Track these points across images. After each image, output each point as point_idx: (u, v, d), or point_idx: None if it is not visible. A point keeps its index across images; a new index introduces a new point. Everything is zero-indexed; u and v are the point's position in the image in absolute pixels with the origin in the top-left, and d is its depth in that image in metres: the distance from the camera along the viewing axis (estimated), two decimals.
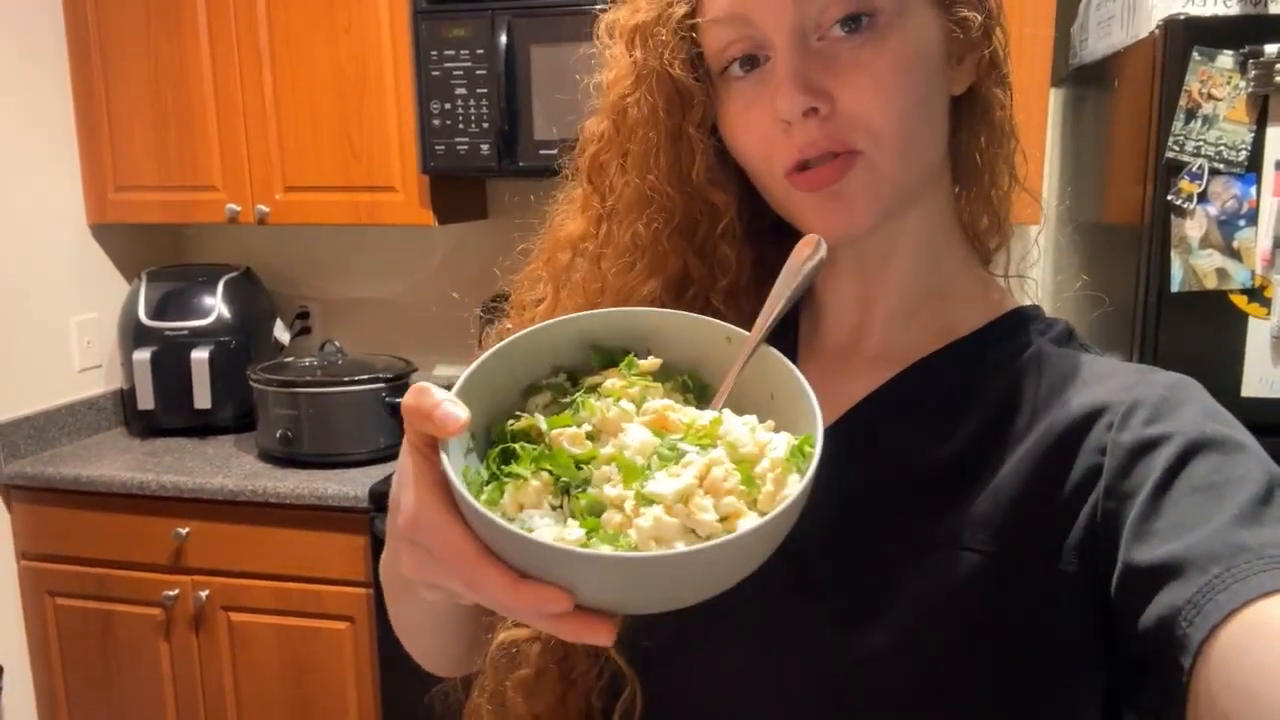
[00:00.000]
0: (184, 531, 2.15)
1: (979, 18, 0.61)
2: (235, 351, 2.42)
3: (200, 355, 2.36)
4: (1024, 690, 0.57)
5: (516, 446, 0.50)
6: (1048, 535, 0.56)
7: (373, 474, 2.14)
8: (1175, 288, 1.59)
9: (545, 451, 0.49)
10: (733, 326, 0.53)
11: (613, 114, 0.66)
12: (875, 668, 0.58)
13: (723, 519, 0.45)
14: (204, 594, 2.16)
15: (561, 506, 0.48)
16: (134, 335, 2.41)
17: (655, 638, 0.64)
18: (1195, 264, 1.58)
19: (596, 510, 0.47)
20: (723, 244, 0.66)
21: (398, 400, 2.25)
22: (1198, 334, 1.60)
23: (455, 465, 0.47)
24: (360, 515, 2.05)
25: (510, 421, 0.52)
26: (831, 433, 0.64)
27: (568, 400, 0.53)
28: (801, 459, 0.47)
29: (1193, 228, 1.57)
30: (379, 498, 2.04)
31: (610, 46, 0.67)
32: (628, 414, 0.50)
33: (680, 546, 0.44)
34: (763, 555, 0.46)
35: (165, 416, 2.41)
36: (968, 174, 0.66)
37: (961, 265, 0.68)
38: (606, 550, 0.44)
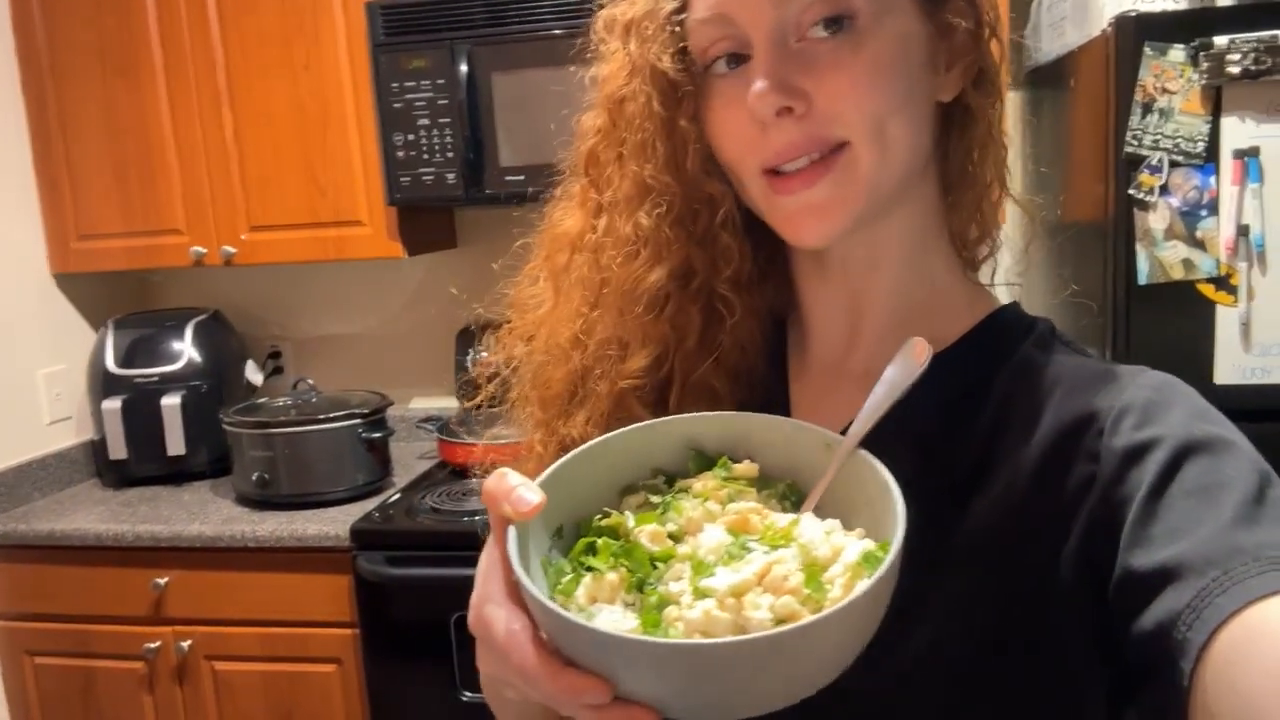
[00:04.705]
0: (163, 581, 2.11)
1: (966, 24, 0.61)
2: (207, 395, 2.39)
3: (171, 401, 2.33)
4: (1032, 702, 0.57)
5: (599, 540, 0.50)
6: (1047, 546, 0.56)
7: (352, 512, 2.11)
8: (1142, 280, 1.61)
9: (625, 547, 0.49)
10: (831, 433, 0.52)
11: (609, 106, 0.66)
12: (887, 690, 0.57)
13: (780, 620, 0.43)
14: (186, 644, 2.11)
15: (636, 604, 0.47)
16: (103, 384, 2.38)
17: None
18: (1161, 256, 1.60)
19: (664, 606, 0.46)
20: (724, 234, 0.65)
21: (374, 435, 2.24)
22: (1168, 325, 1.61)
23: (518, 548, 0.46)
24: (342, 555, 2.02)
25: (599, 517, 0.52)
26: None
27: (659, 501, 0.53)
28: (874, 565, 0.44)
29: (1156, 220, 1.59)
30: (360, 536, 2.01)
31: (606, 41, 0.67)
32: (712, 514, 0.50)
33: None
34: (819, 663, 0.43)
35: (139, 465, 2.38)
36: (957, 183, 0.66)
37: (949, 274, 0.67)
38: (636, 634, 0.42)
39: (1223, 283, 1.58)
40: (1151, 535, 0.50)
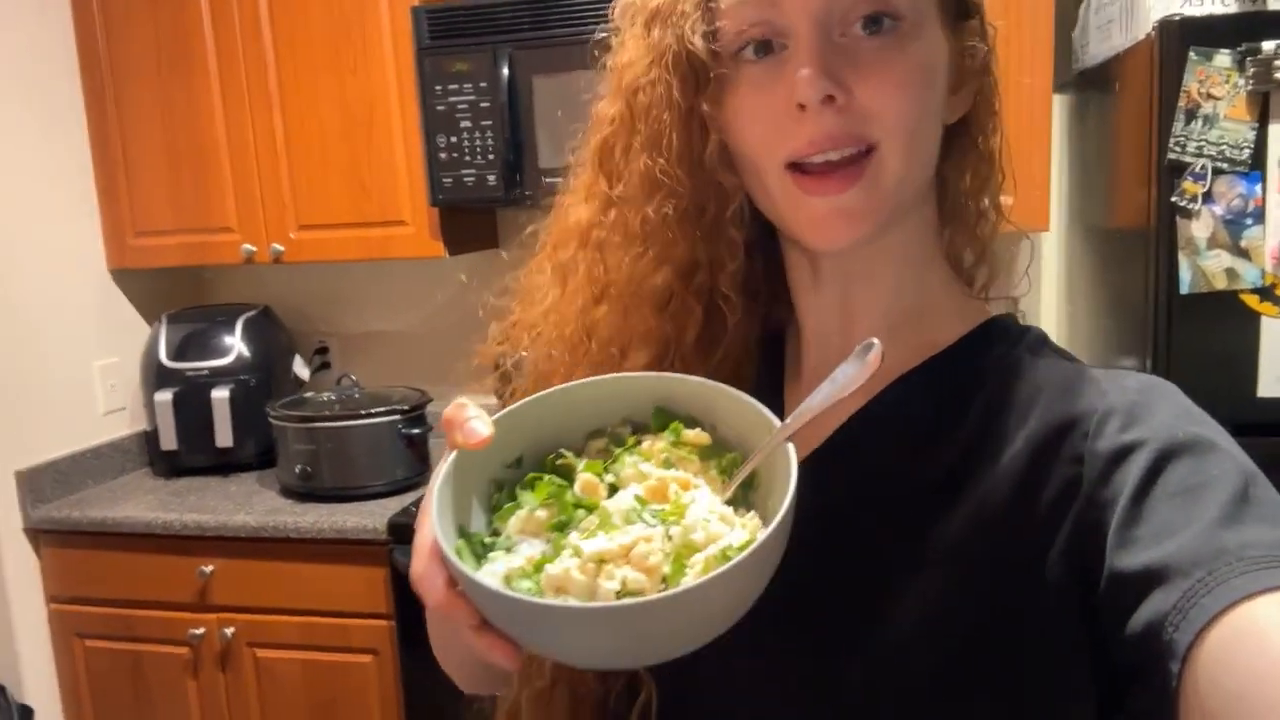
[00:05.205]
0: (208, 570, 2.17)
1: (983, 49, 0.63)
2: (255, 389, 2.45)
3: (221, 394, 2.39)
4: (1017, 702, 0.57)
5: (544, 477, 0.53)
6: (1032, 547, 0.56)
7: (390, 506, 2.15)
8: (1185, 290, 1.58)
9: (559, 489, 0.52)
10: (777, 421, 0.52)
11: (625, 95, 0.65)
12: (869, 686, 0.58)
13: (625, 594, 0.45)
14: (229, 631, 2.17)
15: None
16: (156, 377, 2.45)
17: None
18: (1203, 265, 1.56)
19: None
20: (730, 228, 0.65)
21: (414, 431, 2.28)
22: (1210, 335, 1.58)
23: (453, 472, 0.50)
24: (379, 547, 2.06)
25: (554, 457, 0.55)
26: (818, 455, 0.65)
27: (616, 451, 0.54)
28: (723, 562, 0.46)
29: (1199, 228, 1.56)
30: (397, 529, 2.05)
31: (626, 29, 0.66)
32: (643, 475, 0.52)
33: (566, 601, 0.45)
34: (640, 639, 0.45)
35: (188, 456, 2.45)
36: (954, 210, 0.66)
37: (942, 287, 0.68)
38: (485, 578, 0.46)
39: (1268, 293, 1.55)
40: (1137, 537, 0.50)
